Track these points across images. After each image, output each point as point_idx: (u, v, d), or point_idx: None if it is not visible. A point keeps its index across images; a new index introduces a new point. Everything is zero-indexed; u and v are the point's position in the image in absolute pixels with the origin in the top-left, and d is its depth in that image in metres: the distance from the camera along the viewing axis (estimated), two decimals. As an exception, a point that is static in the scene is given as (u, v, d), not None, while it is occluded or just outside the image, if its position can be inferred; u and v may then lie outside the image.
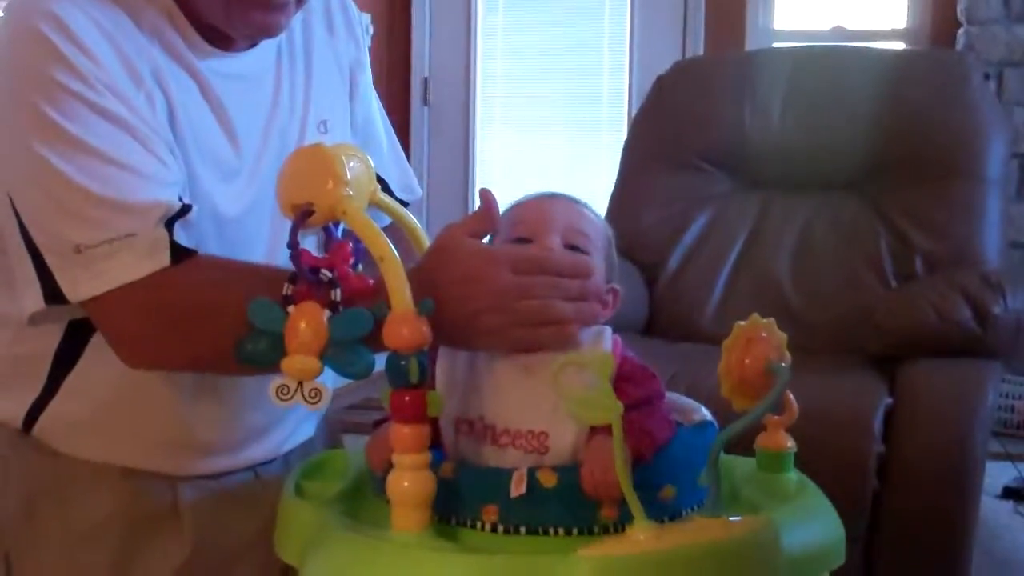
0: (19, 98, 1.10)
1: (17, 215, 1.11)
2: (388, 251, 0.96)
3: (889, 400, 2.33)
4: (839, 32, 4.16)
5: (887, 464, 2.26)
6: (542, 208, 1.11)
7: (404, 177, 1.42)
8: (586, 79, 4.55)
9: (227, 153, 1.20)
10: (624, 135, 3.39)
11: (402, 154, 1.46)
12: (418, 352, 0.94)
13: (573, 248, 1.08)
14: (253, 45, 1.24)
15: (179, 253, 1.07)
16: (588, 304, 1.04)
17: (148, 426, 1.20)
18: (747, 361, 1.05)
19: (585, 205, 1.14)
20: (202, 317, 1.07)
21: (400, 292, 0.95)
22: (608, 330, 1.07)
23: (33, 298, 1.11)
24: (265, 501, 1.20)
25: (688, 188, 3.08)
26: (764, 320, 1.07)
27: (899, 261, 2.82)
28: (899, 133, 2.91)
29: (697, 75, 3.28)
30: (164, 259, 1.07)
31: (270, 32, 1.20)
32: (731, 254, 2.97)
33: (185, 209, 1.09)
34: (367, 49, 1.42)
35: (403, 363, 0.93)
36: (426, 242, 1.20)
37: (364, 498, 1.07)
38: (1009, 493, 3.12)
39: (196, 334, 1.08)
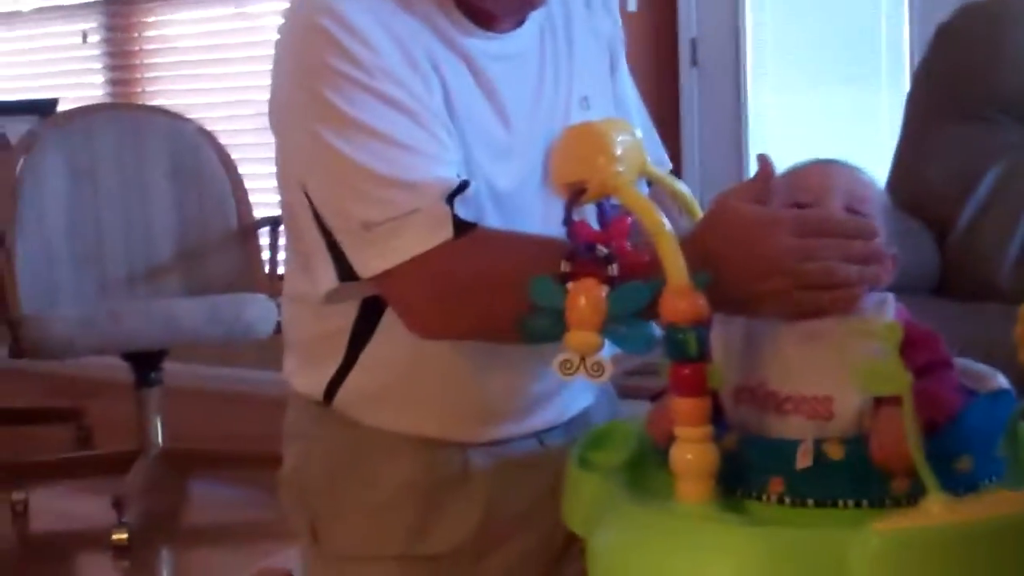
0: (305, 89, 1.16)
1: (310, 200, 1.18)
2: (662, 225, 0.96)
3: None
4: None
5: None
6: (823, 173, 1.08)
7: (657, 151, 1.41)
8: (862, 30, 4.37)
9: (499, 132, 1.23)
10: (905, 87, 3.24)
11: (653, 126, 1.45)
12: (696, 325, 0.93)
13: (855, 213, 1.05)
14: (518, 24, 1.27)
15: (461, 227, 1.11)
16: (872, 267, 1.01)
17: (439, 396, 1.25)
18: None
19: (864, 171, 1.10)
20: (485, 287, 1.11)
21: (676, 265, 0.94)
22: (891, 296, 1.03)
23: (328, 277, 1.19)
24: (548, 467, 1.23)
25: (978, 140, 2.90)
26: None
27: None
28: None
29: (983, 19, 3.08)
30: (447, 233, 1.11)
31: (534, 4, 1.22)
32: (1029, 207, 2.79)
33: (464, 185, 1.13)
34: (621, 24, 1.42)
35: (681, 336, 0.93)
36: (698, 211, 1.19)
37: (646, 468, 1.07)
38: None
39: (479, 303, 1.12)
